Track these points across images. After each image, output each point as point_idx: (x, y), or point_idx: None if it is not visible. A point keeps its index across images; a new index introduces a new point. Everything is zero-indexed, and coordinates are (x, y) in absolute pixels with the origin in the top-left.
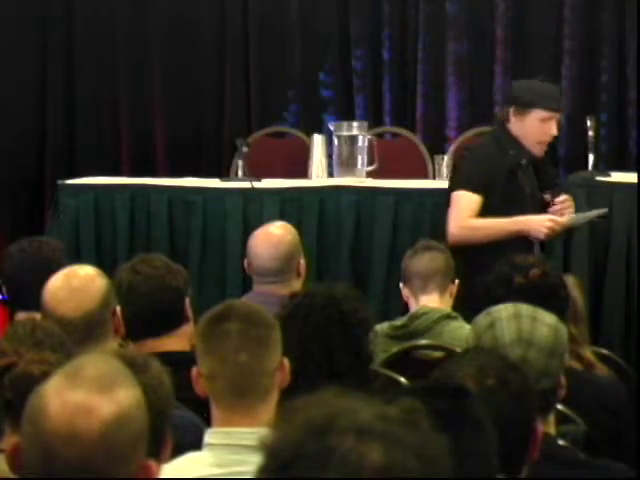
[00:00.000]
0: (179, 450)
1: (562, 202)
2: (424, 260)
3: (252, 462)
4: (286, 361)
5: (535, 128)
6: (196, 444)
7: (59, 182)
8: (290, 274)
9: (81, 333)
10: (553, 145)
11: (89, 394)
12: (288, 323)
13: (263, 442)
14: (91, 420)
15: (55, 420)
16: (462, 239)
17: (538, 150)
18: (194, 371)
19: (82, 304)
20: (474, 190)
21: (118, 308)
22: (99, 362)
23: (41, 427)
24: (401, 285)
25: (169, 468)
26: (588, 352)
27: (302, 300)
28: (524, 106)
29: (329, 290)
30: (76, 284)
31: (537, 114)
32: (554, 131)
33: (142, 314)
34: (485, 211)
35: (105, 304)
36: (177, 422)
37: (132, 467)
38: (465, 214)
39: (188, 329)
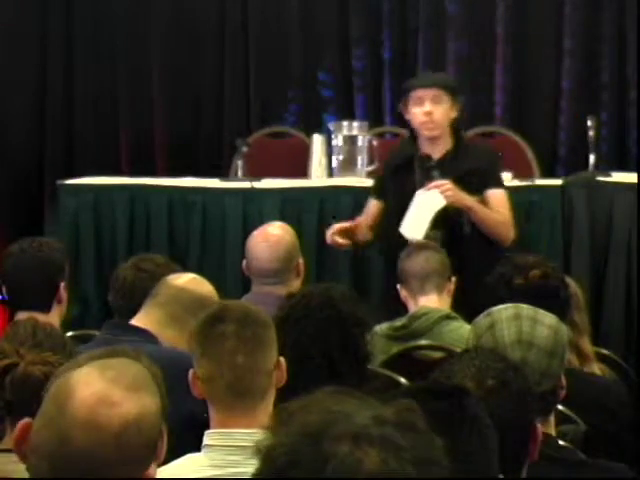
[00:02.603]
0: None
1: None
2: (419, 261)
3: (250, 463)
4: (282, 360)
5: (414, 111)
6: None
7: (58, 182)
8: (289, 274)
9: None
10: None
11: (118, 389)
12: (286, 324)
13: (259, 447)
14: (113, 413)
15: (78, 404)
16: None
17: (426, 131)
18: (191, 373)
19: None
20: (373, 194)
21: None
22: (132, 366)
23: (63, 409)
24: (398, 287)
25: (168, 469)
26: (587, 343)
27: (299, 301)
28: (403, 97)
29: (326, 291)
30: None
31: (411, 97)
32: (427, 108)
33: None
34: (385, 213)
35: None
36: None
37: (137, 473)
38: (362, 218)
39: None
